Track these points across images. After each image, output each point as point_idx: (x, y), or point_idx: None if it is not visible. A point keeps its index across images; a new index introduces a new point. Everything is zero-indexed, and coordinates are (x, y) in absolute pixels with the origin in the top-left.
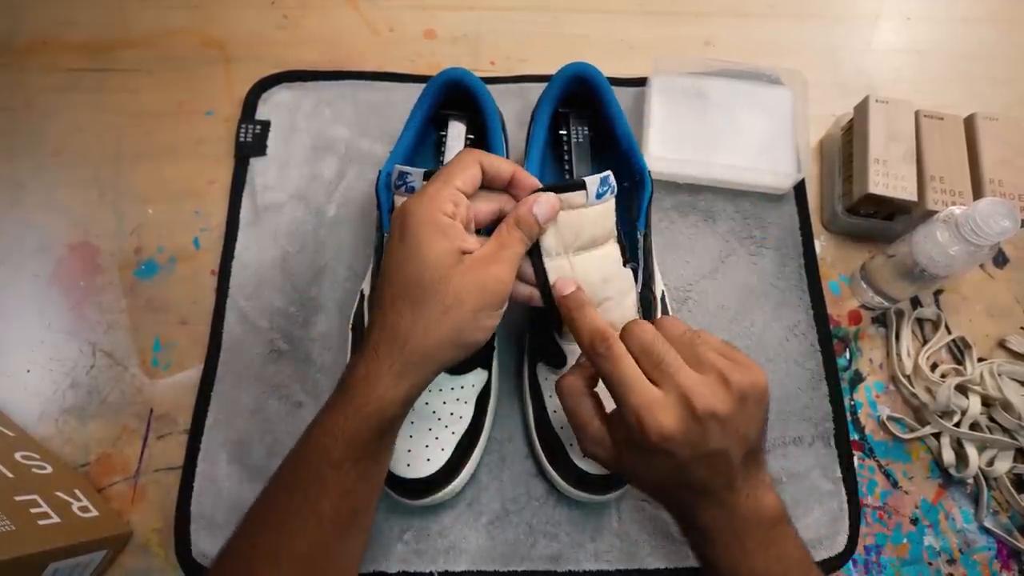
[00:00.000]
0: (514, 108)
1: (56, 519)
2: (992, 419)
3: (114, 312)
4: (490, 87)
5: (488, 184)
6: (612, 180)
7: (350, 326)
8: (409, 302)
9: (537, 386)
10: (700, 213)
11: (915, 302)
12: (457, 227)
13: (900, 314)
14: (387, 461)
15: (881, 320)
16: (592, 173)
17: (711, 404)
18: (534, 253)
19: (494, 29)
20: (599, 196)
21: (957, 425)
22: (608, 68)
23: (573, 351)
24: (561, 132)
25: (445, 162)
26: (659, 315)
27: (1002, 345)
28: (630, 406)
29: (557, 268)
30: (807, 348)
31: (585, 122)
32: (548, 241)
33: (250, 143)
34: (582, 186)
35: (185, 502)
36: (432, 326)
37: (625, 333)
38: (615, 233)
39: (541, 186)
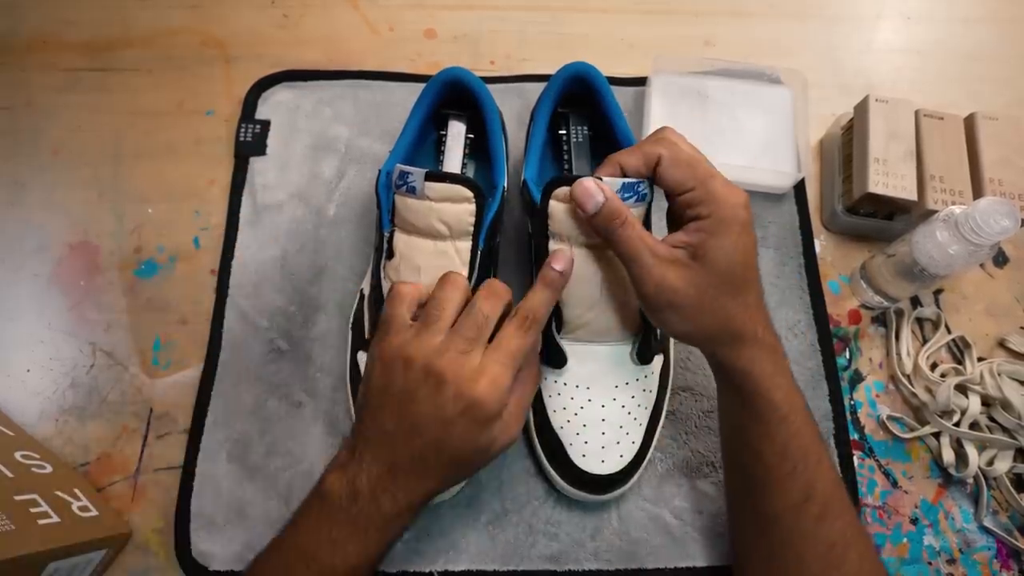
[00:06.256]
0: (514, 108)
1: (56, 519)
2: (992, 419)
3: (114, 312)
4: (490, 86)
5: None
6: (643, 188)
7: (350, 325)
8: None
9: None
10: None
11: (915, 301)
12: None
13: (900, 313)
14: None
15: (881, 319)
16: (592, 173)
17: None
18: (539, 235)
19: (494, 29)
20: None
21: (957, 425)
22: (608, 68)
23: (573, 351)
24: (561, 132)
25: (445, 161)
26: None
27: (1002, 345)
28: (718, 181)
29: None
30: (807, 347)
31: (584, 121)
32: (558, 226)
33: (250, 143)
34: None
35: (185, 502)
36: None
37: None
38: None
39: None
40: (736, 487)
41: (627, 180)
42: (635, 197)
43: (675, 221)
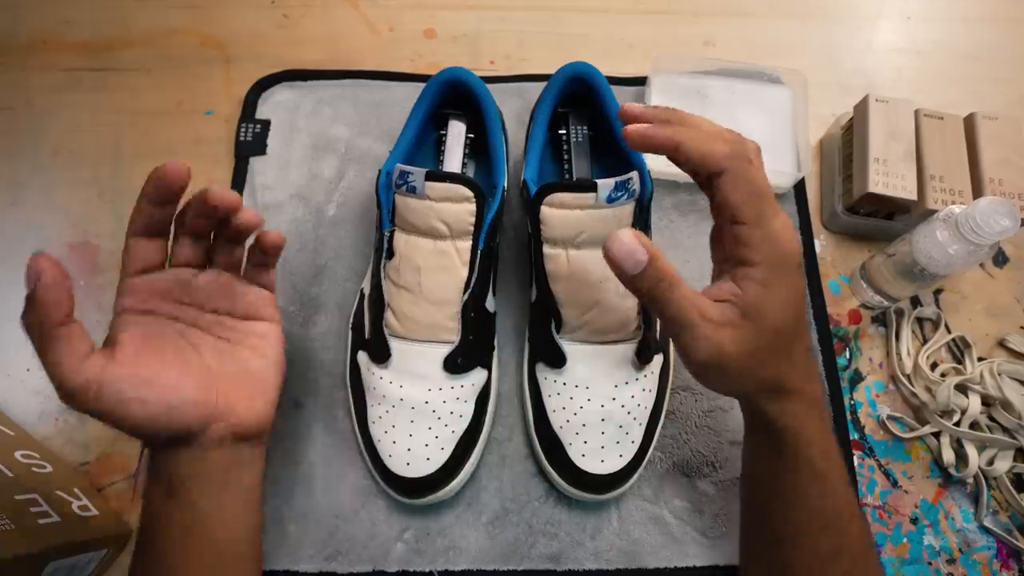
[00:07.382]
0: (514, 107)
1: (56, 518)
2: (992, 418)
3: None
4: (490, 86)
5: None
6: (634, 185)
7: (350, 325)
8: None
9: (537, 385)
10: (700, 213)
11: (915, 301)
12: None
13: (900, 313)
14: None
15: (881, 319)
16: (591, 172)
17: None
18: (536, 241)
19: (494, 29)
20: (611, 200)
21: (957, 424)
22: (608, 68)
23: (572, 351)
24: (560, 131)
25: (445, 161)
26: (659, 318)
27: (1002, 344)
28: (779, 222)
29: (554, 258)
30: None
31: (584, 121)
32: (551, 232)
33: (250, 142)
34: (592, 188)
35: None
36: None
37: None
38: None
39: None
40: (757, 531)
41: (619, 179)
42: (626, 195)
43: (717, 241)
